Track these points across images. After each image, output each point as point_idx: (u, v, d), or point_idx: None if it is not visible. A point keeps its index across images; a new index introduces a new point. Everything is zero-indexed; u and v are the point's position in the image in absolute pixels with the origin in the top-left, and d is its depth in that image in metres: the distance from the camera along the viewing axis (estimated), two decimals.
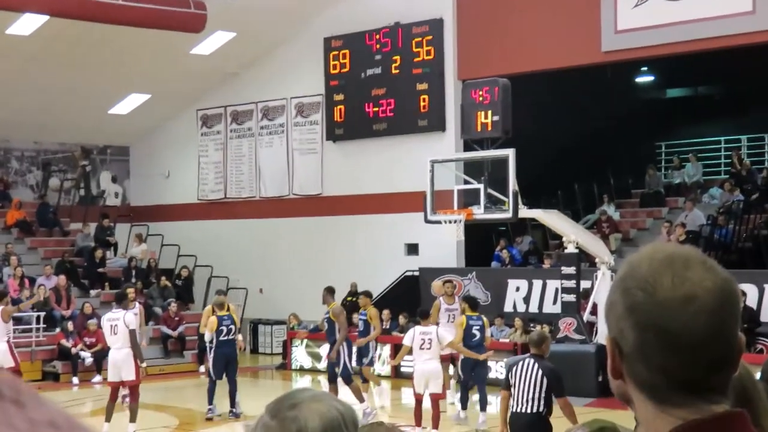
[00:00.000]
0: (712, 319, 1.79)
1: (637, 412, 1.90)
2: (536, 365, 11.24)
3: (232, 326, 18.82)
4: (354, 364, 19.35)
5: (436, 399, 16.87)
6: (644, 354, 1.82)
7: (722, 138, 31.74)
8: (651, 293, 1.82)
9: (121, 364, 16.90)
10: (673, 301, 1.80)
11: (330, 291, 19.96)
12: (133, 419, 16.92)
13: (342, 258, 27.45)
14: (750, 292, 20.71)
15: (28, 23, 25.41)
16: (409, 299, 25.05)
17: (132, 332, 16.93)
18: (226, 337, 18.62)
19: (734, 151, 30.04)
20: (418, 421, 16.98)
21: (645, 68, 30.87)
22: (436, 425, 16.80)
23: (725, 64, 26.75)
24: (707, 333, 1.79)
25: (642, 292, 1.83)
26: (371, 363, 20.16)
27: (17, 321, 24.67)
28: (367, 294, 20.72)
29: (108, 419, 16.87)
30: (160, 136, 32.43)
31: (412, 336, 17.12)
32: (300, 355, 25.78)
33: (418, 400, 17.03)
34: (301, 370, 25.38)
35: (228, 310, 19.04)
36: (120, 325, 16.89)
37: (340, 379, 19.06)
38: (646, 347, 1.81)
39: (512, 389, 11.27)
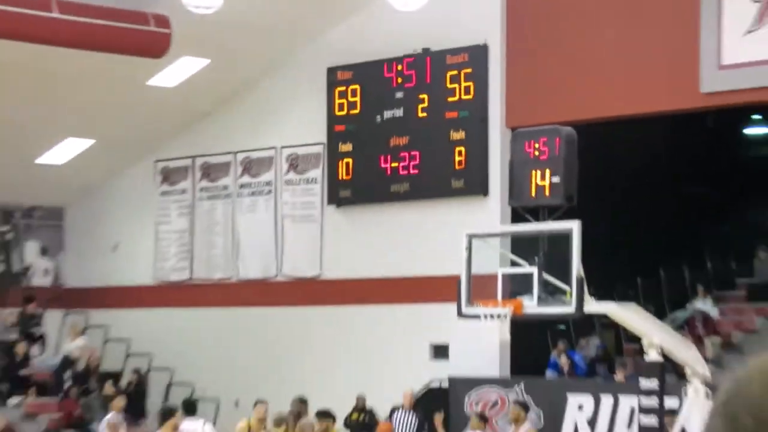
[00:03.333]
0: None
1: None
2: None
3: None
4: None
5: None
6: None
7: None
8: (758, 415, 1.95)
9: None
10: None
11: (302, 402, 21.34)
12: None
13: (345, 362, 27.47)
14: None
15: None
16: (432, 419, 24.94)
17: None
18: None
19: None
20: None
21: (758, 116, 30.97)
22: None
23: None
24: None
25: (753, 419, 1.95)
26: None
27: None
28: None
29: None
30: (106, 194, 32.46)
31: None
32: None
33: None
34: None
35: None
36: None
37: None
38: None
39: None
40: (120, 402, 24.25)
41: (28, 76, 26.90)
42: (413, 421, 24.37)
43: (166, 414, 20.22)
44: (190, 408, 22.53)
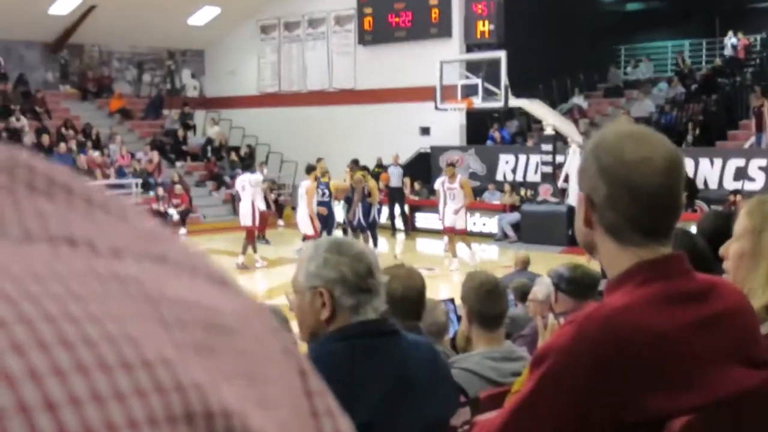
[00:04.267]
0: (664, 176, 1.85)
1: (602, 254, 1.93)
2: None
3: (327, 191, 18.87)
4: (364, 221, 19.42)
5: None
6: (613, 203, 1.86)
7: (669, 43, 31.70)
8: (618, 156, 1.85)
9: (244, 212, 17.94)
10: (636, 162, 1.84)
11: (355, 163, 19.72)
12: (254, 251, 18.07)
13: (370, 138, 26.92)
14: (689, 165, 20.40)
15: None
16: (422, 170, 25.29)
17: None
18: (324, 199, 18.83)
19: (678, 54, 29.67)
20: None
21: None
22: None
23: None
24: (661, 186, 1.85)
25: (611, 156, 1.86)
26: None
27: (121, 186, 25.14)
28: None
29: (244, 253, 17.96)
30: (229, 41, 31.74)
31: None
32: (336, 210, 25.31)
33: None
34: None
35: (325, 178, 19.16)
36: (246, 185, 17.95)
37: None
38: (614, 197, 1.86)
39: None
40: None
41: None
42: (399, 172, 23.81)
43: (309, 168, 18.24)
44: (247, 167, 20.64)
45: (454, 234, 18.00)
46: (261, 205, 18.12)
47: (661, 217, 1.89)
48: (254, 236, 17.88)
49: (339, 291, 2.52)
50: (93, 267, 0.39)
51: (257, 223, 18.06)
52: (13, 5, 25.54)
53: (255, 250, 18.00)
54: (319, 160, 19.92)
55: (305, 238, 17.13)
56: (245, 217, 17.80)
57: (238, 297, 0.44)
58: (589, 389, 1.77)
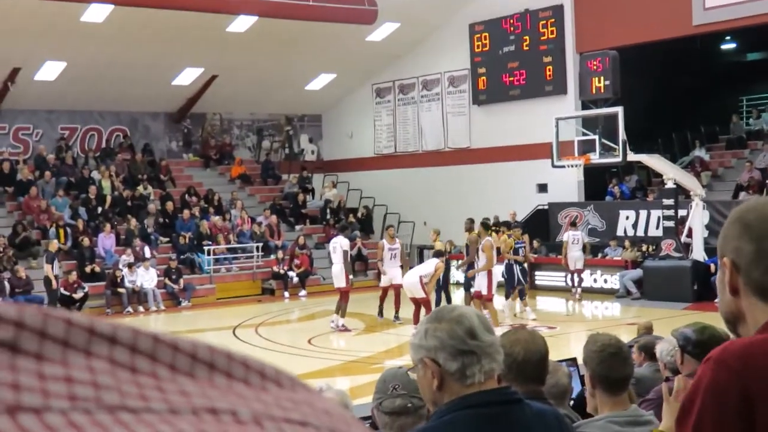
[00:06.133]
0: None
1: (750, 323, 1.83)
2: None
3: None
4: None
5: None
6: (760, 259, 1.78)
7: None
8: (762, 213, 1.81)
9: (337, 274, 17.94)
10: None
11: (471, 221, 19.45)
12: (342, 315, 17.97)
13: (486, 196, 26.86)
14: None
15: (245, 22, 25.33)
16: (541, 227, 25.08)
17: (345, 253, 17.71)
18: None
19: None
20: None
21: (728, 37, 29.80)
22: None
23: None
24: None
25: (755, 214, 1.82)
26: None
27: (243, 249, 25.61)
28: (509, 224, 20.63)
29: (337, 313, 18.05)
30: (345, 105, 32.23)
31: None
32: (453, 272, 24.55)
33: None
34: (456, 283, 23.49)
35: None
36: (338, 247, 17.86)
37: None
38: (762, 252, 1.78)
39: None
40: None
41: (299, 39, 26.49)
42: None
43: (439, 254, 17.97)
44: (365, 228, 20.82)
45: (480, 300, 16.84)
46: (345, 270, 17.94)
47: None
48: (348, 298, 17.82)
49: (442, 357, 2.49)
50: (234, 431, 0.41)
51: (351, 284, 18.01)
52: (138, 79, 26.56)
53: (343, 314, 17.86)
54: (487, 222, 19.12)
55: (417, 302, 16.81)
56: (338, 279, 17.80)
57: None
58: (743, 420, 1.70)
